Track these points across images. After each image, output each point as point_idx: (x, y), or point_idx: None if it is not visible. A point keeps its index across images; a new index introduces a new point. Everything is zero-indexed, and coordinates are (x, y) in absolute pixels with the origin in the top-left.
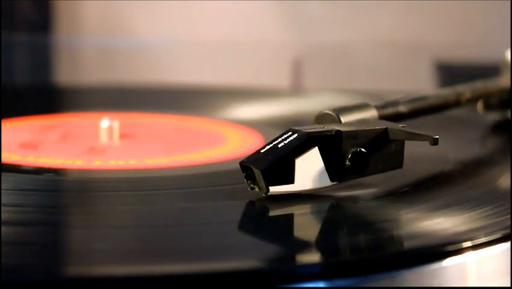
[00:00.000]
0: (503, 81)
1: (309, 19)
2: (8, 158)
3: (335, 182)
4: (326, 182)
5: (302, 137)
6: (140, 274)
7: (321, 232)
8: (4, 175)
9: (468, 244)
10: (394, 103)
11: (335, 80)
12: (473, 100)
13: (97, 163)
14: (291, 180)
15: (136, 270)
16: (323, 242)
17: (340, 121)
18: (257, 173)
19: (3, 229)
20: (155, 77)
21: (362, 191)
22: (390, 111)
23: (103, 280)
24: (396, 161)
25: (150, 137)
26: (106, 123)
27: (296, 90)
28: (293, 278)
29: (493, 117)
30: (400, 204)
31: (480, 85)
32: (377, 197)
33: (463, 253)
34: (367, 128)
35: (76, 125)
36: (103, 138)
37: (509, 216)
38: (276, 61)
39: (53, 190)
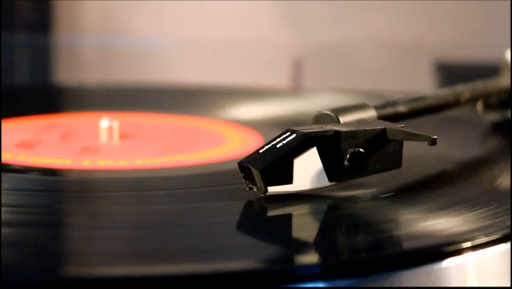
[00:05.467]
0: (503, 81)
1: (309, 19)
2: (8, 158)
3: (333, 182)
4: (325, 182)
5: (301, 137)
6: (140, 275)
7: (320, 232)
8: (4, 175)
9: (468, 244)
10: (393, 104)
11: (335, 80)
12: (472, 100)
13: (96, 163)
14: (289, 181)
15: (135, 270)
16: (322, 243)
17: (339, 122)
18: (256, 173)
19: (3, 229)
20: (155, 77)
21: (362, 191)
22: (388, 111)
23: (102, 280)
24: (395, 161)
25: (150, 137)
26: (106, 123)
27: (296, 89)
28: (292, 278)
29: (493, 117)
30: (399, 204)
31: (480, 85)
32: (376, 197)
33: (463, 253)
34: (366, 128)
35: (76, 125)
36: (103, 138)
37: (509, 216)
38: (275, 61)
39: (53, 190)
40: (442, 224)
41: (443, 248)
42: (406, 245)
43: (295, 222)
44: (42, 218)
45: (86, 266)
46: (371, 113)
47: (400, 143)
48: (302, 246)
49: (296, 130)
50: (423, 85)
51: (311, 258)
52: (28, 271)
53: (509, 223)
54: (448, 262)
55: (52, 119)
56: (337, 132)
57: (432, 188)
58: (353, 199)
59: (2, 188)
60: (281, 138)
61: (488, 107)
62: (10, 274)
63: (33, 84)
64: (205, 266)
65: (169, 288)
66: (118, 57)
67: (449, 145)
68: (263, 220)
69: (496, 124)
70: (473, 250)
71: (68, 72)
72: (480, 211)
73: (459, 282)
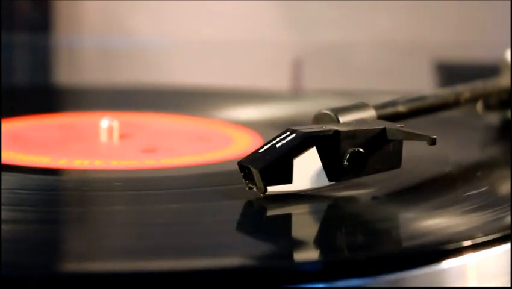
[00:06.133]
0: (503, 81)
1: (309, 19)
2: (8, 158)
3: (333, 182)
4: (324, 182)
5: (300, 137)
6: (140, 271)
7: (320, 232)
8: (4, 175)
9: (468, 244)
10: (393, 103)
11: (334, 80)
12: (472, 100)
13: (97, 163)
14: (289, 180)
15: (136, 266)
16: (321, 242)
17: (338, 121)
18: (255, 172)
19: (4, 227)
20: (154, 78)
21: (361, 191)
22: (388, 111)
23: (102, 276)
24: (394, 161)
25: (150, 137)
26: (106, 123)
27: (296, 90)
28: (291, 277)
29: (493, 117)
30: (399, 204)
31: (480, 85)
32: (376, 197)
33: (463, 253)
34: (365, 128)
35: (76, 125)
36: (103, 138)
37: (509, 216)
38: (276, 62)
39: (53, 190)
40: (442, 224)
41: (443, 248)
42: (406, 245)
43: (295, 222)
44: (42, 217)
45: (85, 262)
46: (371, 113)
47: (400, 143)
48: (301, 246)
49: (296, 130)
50: (423, 85)
51: (310, 257)
52: (27, 268)
53: (509, 223)
54: (448, 263)
55: (52, 119)
56: (336, 131)
57: (432, 188)
58: (352, 199)
59: (4, 187)
60: (281, 137)
61: (488, 107)
62: (10, 270)
63: (33, 84)
64: (205, 264)
65: (170, 285)
66: (118, 57)
67: (449, 145)
68: (263, 220)
69: (496, 125)
70: (474, 251)
71: (68, 72)
72: (480, 211)
73: (459, 282)
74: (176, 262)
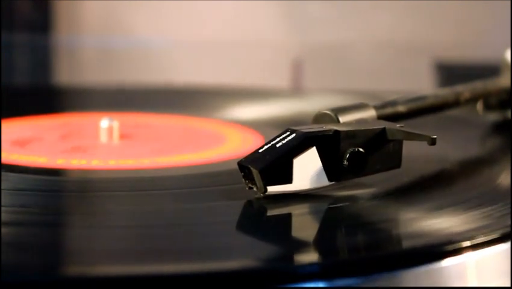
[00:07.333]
0: (503, 81)
1: (309, 19)
2: (8, 158)
3: (333, 182)
4: (324, 181)
5: (300, 137)
6: (139, 274)
7: (320, 231)
8: (4, 175)
9: (467, 244)
10: (393, 103)
11: (335, 80)
12: (472, 100)
13: (96, 163)
14: (289, 180)
15: (135, 270)
16: (321, 242)
17: (338, 121)
18: (255, 172)
19: (3, 229)
20: (155, 78)
21: (361, 190)
22: (388, 111)
23: (102, 280)
24: (394, 160)
25: (150, 137)
26: (106, 123)
27: (296, 90)
28: (291, 278)
29: (493, 117)
30: (399, 204)
31: (479, 85)
32: (376, 197)
33: (463, 253)
34: (365, 128)
35: (76, 125)
36: (103, 138)
37: (509, 216)
38: (276, 62)
39: (53, 190)
40: (442, 223)
41: (442, 248)
42: (406, 244)
43: (295, 222)
44: (42, 218)
45: (85, 265)
46: (371, 113)
47: (400, 143)
48: (301, 246)
49: (296, 130)
50: (423, 85)
51: (310, 257)
52: (27, 271)
53: (509, 223)
54: (448, 262)
55: (52, 119)
56: (336, 131)
57: (432, 187)
58: (352, 199)
59: (3, 187)
60: (281, 137)
61: (488, 107)
62: (10, 274)
63: (33, 84)
64: (205, 265)
65: (169, 287)
66: (118, 57)
67: (448, 145)
68: (263, 220)
69: (496, 124)
70: (473, 250)
71: (68, 72)
72: (480, 210)
73: (459, 282)
74: (175, 265)
